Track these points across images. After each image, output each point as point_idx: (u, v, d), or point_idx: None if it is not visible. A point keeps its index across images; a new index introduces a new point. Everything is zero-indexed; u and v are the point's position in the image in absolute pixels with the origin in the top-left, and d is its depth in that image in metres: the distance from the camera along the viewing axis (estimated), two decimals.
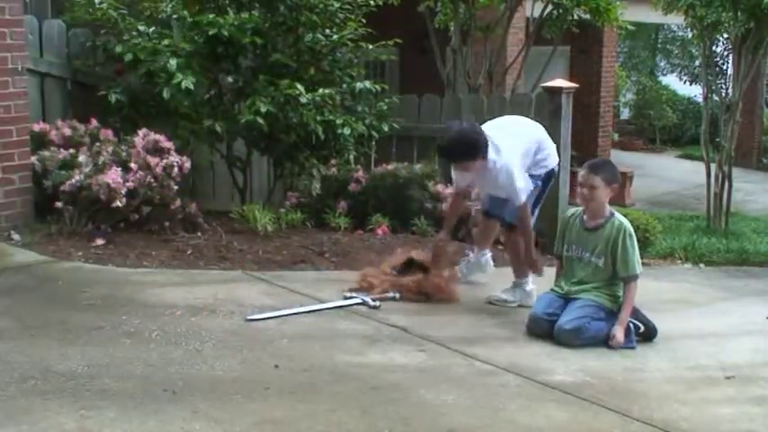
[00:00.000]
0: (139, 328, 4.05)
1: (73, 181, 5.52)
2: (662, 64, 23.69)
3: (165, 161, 5.77)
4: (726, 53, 13.15)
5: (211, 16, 6.31)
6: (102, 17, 6.42)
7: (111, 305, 4.36)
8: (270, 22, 6.66)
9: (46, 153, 5.75)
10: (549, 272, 5.08)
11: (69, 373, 3.44)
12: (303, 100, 6.23)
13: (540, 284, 5.05)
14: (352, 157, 7.00)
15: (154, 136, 5.90)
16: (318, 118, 6.36)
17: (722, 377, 4.11)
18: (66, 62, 6.53)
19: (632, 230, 4.62)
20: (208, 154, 7.07)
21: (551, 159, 5.21)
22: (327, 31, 6.84)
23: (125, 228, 5.79)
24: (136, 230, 5.81)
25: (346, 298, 4.82)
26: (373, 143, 7.34)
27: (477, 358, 4.05)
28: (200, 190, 7.49)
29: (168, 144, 5.93)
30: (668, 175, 15.40)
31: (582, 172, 4.62)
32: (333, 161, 7.14)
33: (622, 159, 13.98)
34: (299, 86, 6.23)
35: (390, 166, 7.24)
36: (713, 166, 9.23)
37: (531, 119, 5.66)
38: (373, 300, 4.78)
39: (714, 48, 11.12)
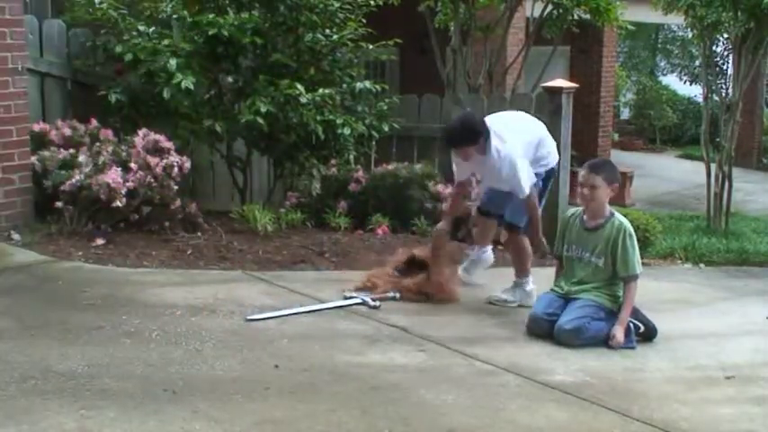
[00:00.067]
0: (139, 327, 4.06)
1: (73, 181, 5.52)
2: (662, 64, 23.69)
3: (165, 161, 5.77)
4: (726, 53, 13.13)
5: (211, 16, 6.31)
6: (102, 17, 6.43)
7: (111, 305, 4.37)
8: (270, 22, 6.66)
9: (46, 153, 5.75)
10: (549, 272, 5.08)
11: (69, 373, 3.44)
12: (303, 100, 6.24)
13: (540, 284, 5.05)
14: (352, 157, 7.00)
15: (154, 136, 5.90)
16: (318, 118, 6.36)
17: (722, 377, 4.11)
18: (67, 62, 6.53)
19: (632, 230, 4.61)
20: (208, 154, 7.07)
21: (552, 158, 5.20)
22: (327, 31, 6.85)
23: (125, 228, 5.79)
24: (136, 230, 5.81)
25: (346, 298, 4.82)
26: (373, 143, 7.34)
27: (478, 358, 4.05)
28: (201, 190, 7.49)
29: (168, 144, 5.93)
30: (668, 175, 15.40)
31: (582, 172, 4.61)
32: (333, 161, 7.14)
33: (622, 159, 13.97)
34: (299, 86, 6.23)
35: (390, 166, 7.24)
36: (713, 166, 9.22)
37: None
38: (373, 300, 4.78)
39: (714, 48, 11.11)
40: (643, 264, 4.79)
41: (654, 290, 5.56)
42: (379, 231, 6.68)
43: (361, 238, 6.51)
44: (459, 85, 9.14)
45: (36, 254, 5.18)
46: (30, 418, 3.04)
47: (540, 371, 3.97)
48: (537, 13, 9.51)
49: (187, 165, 5.92)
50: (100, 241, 5.47)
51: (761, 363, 4.41)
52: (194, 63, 6.27)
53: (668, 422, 3.45)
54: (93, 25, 6.68)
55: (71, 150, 5.81)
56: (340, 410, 3.31)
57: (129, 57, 6.17)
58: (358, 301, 4.78)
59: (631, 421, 3.45)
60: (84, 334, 3.93)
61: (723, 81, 11.78)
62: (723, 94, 9.77)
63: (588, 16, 9.62)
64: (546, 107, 7.12)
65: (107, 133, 6.05)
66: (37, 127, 5.96)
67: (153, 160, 5.72)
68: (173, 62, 6.04)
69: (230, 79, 6.66)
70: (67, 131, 6.04)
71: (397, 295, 4.94)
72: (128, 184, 5.57)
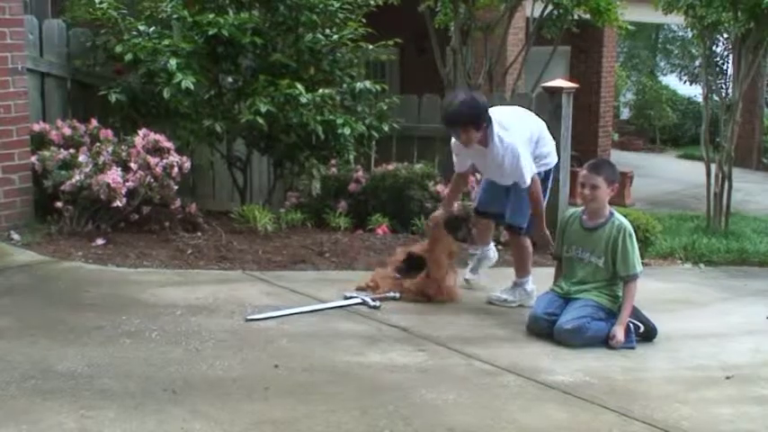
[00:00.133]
0: (140, 327, 4.05)
1: (73, 181, 5.52)
2: (662, 64, 23.72)
3: (165, 161, 5.78)
4: (726, 53, 13.16)
5: (211, 16, 6.31)
6: (102, 17, 6.43)
7: (112, 305, 4.36)
8: (270, 22, 6.67)
9: (46, 153, 5.75)
10: (549, 272, 5.08)
11: (69, 373, 3.44)
12: (303, 100, 6.23)
13: (540, 284, 5.04)
14: (352, 157, 7.00)
15: (154, 136, 5.90)
16: (318, 118, 6.36)
17: (722, 377, 4.11)
18: (66, 62, 6.53)
19: (632, 230, 4.61)
20: (208, 154, 7.08)
21: (551, 158, 5.14)
22: (327, 31, 6.85)
23: (125, 228, 5.79)
24: (136, 230, 5.81)
25: (346, 298, 4.81)
26: (373, 143, 7.34)
27: (478, 358, 4.05)
28: (201, 190, 7.50)
29: (168, 144, 5.93)
30: (668, 175, 15.41)
31: (583, 172, 4.61)
32: (333, 161, 7.14)
33: (622, 159, 13.99)
34: (299, 86, 6.23)
35: (390, 166, 7.24)
36: (713, 166, 9.22)
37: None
38: (373, 300, 4.78)
39: (714, 48, 11.13)
40: (643, 264, 4.80)
41: (654, 290, 5.57)
42: (379, 231, 6.68)
43: (361, 238, 6.51)
44: (459, 85, 9.14)
45: (36, 254, 5.18)
46: (30, 418, 3.04)
47: (541, 371, 3.97)
48: (537, 13, 9.51)
49: (187, 165, 5.92)
50: (100, 241, 5.47)
51: (761, 363, 4.41)
52: (194, 63, 6.27)
53: (668, 422, 3.45)
54: (93, 25, 6.68)
55: (71, 150, 5.80)
56: (340, 410, 3.31)
57: (129, 57, 6.17)
58: (358, 301, 4.77)
59: (631, 421, 3.44)
60: (84, 334, 3.93)
61: (723, 81, 11.81)
62: (723, 94, 9.78)
63: (588, 16, 9.63)
64: (546, 107, 7.12)
65: (107, 133, 6.05)
66: (37, 127, 5.96)
67: (153, 160, 5.72)
68: (173, 62, 6.04)
69: (230, 79, 6.67)
70: (68, 131, 6.04)
71: (398, 295, 4.94)
72: (128, 184, 5.57)
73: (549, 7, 9.33)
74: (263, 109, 6.13)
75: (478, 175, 5.67)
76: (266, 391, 3.44)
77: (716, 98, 9.96)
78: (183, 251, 5.55)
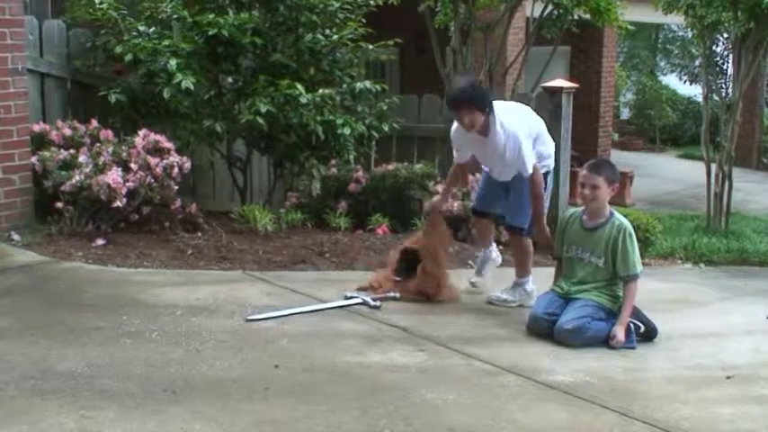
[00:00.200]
0: (140, 328, 4.05)
1: (73, 181, 5.52)
2: (662, 64, 23.71)
3: (165, 161, 5.78)
4: (726, 53, 13.15)
5: (211, 16, 6.31)
6: (102, 17, 6.43)
7: (112, 305, 4.36)
8: (270, 22, 6.67)
9: (46, 153, 5.75)
10: (549, 272, 5.08)
11: (69, 373, 3.44)
12: (303, 100, 6.23)
13: (540, 284, 5.04)
14: (352, 157, 7.00)
15: (154, 136, 5.91)
16: (318, 118, 6.36)
17: (723, 377, 4.11)
18: (66, 62, 6.53)
19: (632, 230, 4.61)
20: (208, 154, 7.08)
21: (551, 161, 5.12)
22: (327, 31, 6.85)
23: (125, 228, 5.80)
24: (136, 230, 5.82)
25: (347, 298, 4.82)
26: (373, 143, 7.34)
27: (478, 358, 4.05)
28: (201, 190, 7.50)
29: (168, 144, 5.93)
30: (668, 175, 15.40)
31: (583, 172, 4.61)
32: (333, 161, 7.15)
33: (622, 159, 13.98)
34: (298, 86, 6.23)
35: (390, 166, 7.24)
36: (713, 166, 9.22)
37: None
38: (374, 300, 4.78)
39: (714, 48, 11.13)
40: (643, 264, 4.79)
41: (654, 290, 5.57)
42: (379, 231, 6.68)
43: (362, 238, 6.51)
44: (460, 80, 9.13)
45: (36, 254, 5.18)
46: (30, 418, 3.04)
47: (541, 371, 3.96)
48: (537, 13, 9.50)
49: (187, 165, 5.92)
50: (100, 241, 5.47)
51: (761, 363, 4.41)
52: (194, 63, 6.27)
53: (669, 422, 3.45)
54: (93, 25, 6.68)
55: (71, 151, 5.81)
56: (340, 410, 3.30)
57: (129, 57, 6.17)
58: (358, 301, 4.78)
59: (632, 421, 3.44)
60: (84, 334, 3.93)
61: (723, 81, 11.80)
62: (723, 94, 9.77)
63: (588, 16, 9.62)
64: (546, 107, 7.12)
65: (107, 133, 6.05)
66: (37, 127, 5.96)
67: (153, 160, 5.72)
68: (173, 62, 6.04)
69: (230, 79, 6.67)
70: (68, 132, 6.04)
71: (398, 295, 4.94)
72: (128, 184, 5.58)
73: (549, 7, 9.33)
74: (263, 109, 6.13)
75: (478, 175, 5.65)
76: (266, 391, 3.44)
77: (716, 98, 9.96)
78: (184, 251, 5.55)
